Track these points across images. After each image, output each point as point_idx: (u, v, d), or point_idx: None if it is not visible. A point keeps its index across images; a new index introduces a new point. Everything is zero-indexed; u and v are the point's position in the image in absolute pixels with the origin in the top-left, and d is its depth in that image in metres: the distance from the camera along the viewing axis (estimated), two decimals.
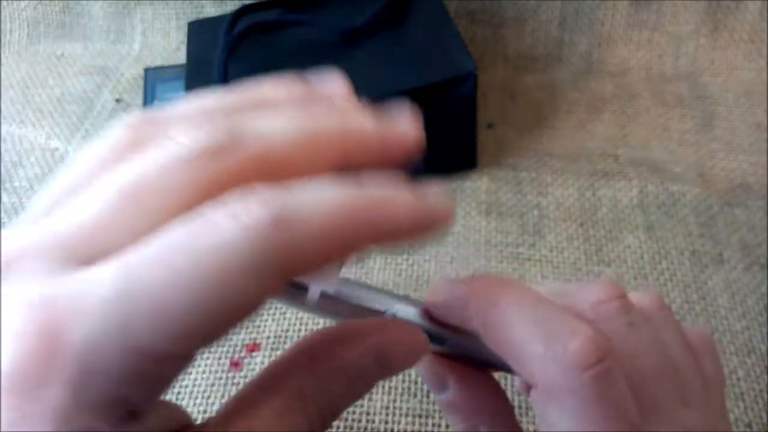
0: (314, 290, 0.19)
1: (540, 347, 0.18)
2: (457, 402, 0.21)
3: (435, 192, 0.16)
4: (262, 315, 0.40)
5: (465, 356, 0.21)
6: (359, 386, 0.17)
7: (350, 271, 0.42)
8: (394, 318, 0.20)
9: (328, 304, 0.19)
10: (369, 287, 0.20)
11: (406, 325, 0.19)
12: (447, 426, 0.35)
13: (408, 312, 0.21)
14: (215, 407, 0.36)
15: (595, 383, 0.17)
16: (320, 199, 0.14)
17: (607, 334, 0.19)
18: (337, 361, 0.16)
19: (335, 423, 0.35)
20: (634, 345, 0.19)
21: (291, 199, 0.13)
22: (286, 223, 0.13)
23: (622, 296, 0.20)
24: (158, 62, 0.60)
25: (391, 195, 0.15)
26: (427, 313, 0.21)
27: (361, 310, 0.20)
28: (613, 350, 0.18)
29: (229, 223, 0.12)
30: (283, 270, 0.13)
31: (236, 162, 0.14)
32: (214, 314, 0.13)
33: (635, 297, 0.21)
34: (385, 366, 0.17)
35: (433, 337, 0.20)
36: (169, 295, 0.12)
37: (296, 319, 0.40)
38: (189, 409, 0.36)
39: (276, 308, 0.40)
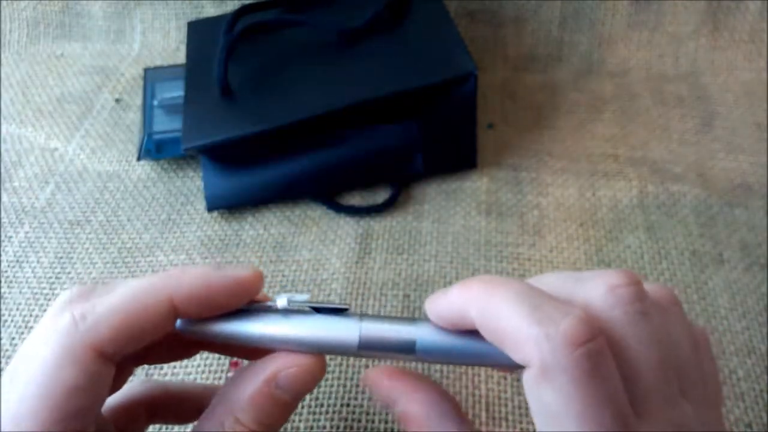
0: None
1: (534, 329, 0.19)
2: (409, 412, 0.23)
3: (239, 265, 0.23)
4: None
5: (453, 358, 0.23)
6: (276, 409, 0.22)
7: (350, 269, 0.42)
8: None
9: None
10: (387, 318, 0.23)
11: (294, 354, 0.22)
12: None
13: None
14: None
15: (585, 361, 0.18)
16: (111, 295, 0.21)
17: (618, 319, 0.20)
18: (242, 392, 0.22)
19: (335, 423, 0.35)
20: (644, 333, 0.20)
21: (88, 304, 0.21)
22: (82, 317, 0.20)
23: (638, 283, 0.21)
24: (158, 62, 0.60)
25: (184, 270, 0.22)
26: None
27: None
28: (602, 332, 0.19)
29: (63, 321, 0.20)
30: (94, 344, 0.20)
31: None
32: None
33: (649, 287, 0.22)
34: (287, 389, 0.22)
35: (403, 349, 0.22)
36: None
37: None
38: None
39: None
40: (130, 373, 0.26)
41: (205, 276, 0.22)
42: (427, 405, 0.23)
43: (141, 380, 0.28)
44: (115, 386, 0.24)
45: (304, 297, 0.23)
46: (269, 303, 0.23)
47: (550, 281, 0.22)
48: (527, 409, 0.35)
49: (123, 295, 0.21)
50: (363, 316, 0.23)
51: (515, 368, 0.21)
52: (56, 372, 0.19)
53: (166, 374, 0.37)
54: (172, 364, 0.38)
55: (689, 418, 0.20)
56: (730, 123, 0.53)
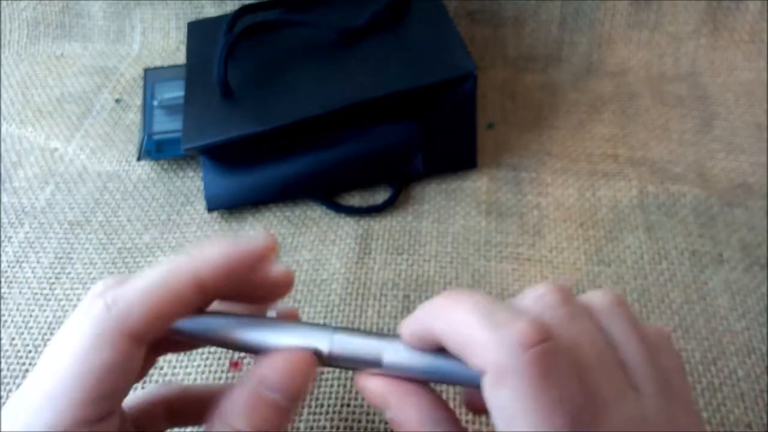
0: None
1: (487, 333, 0.19)
2: (399, 417, 0.23)
3: (255, 233, 0.24)
4: None
5: (427, 377, 0.23)
6: (270, 412, 0.22)
7: (350, 269, 0.42)
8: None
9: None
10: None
11: (283, 353, 0.23)
12: None
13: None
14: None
15: (539, 361, 0.19)
16: (140, 280, 0.22)
17: (550, 324, 0.20)
18: (235, 398, 0.22)
19: (335, 423, 0.35)
20: (575, 334, 0.21)
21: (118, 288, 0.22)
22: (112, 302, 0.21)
23: (563, 290, 0.22)
24: (158, 62, 0.60)
25: (206, 248, 0.23)
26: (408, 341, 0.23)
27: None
28: (554, 335, 0.19)
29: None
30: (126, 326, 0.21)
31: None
32: None
33: (590, 295, 0.23)
34: (276, 389, 0.22)
35: (370, 363, 0.23)
36: None
37: None
38: None
39: None
40: (153, 362, 0.26)
41: (225, 253, 0.23)
42: (421, 410, 0.23)
43: (160, 383, 0.28)
44: (141, 374, 0.25)
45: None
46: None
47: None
48: None
49: (151, 279, 0.22)
50: (336, 328, 0.24)
51: (476, 386, 0.21)
52: (90, 355, 0.20)
53: (166, 374, 0.37)
54: (173, 363, 0.38)
55: (650, 410, 0.20)
56: (730, 123, 0.53)
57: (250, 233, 0.23)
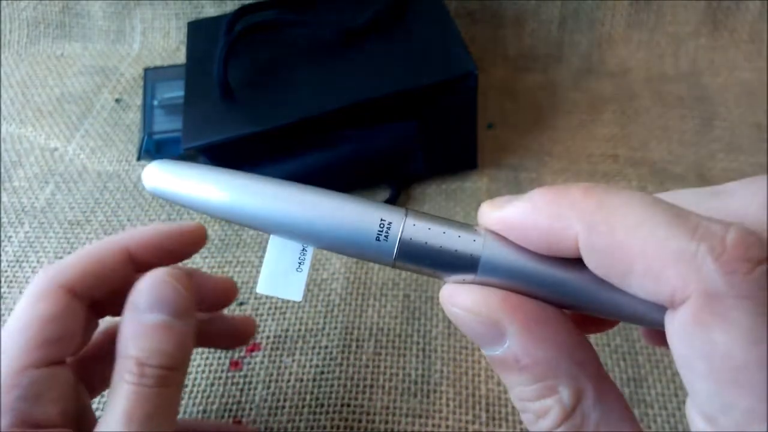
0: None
1: (688, 243, 0.13)
2: (522, 356, 0.16)
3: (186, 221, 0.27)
4: (262, 315, 0.40)
5: (546, 293, 0.16)
6: (160, 333, 0.23)
7: (350, 269, 0.42)
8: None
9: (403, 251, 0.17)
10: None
11: (148, 273, 0.24)
12: (447, 426, 0.35)
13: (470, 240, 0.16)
14: (215, 407, 0.36)
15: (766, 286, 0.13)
16: (76, 251, 0.25)
17: None
18: (122, 336, 0.23)
19: (335, 423, 0.35)
20: None
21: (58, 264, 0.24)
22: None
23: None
24: (158, 62, 0.60)
25: (139, 227, 0.27)
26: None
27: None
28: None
29: None
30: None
31: None
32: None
33: None
34: (147, 306, 0.23)
35: (461, 263, 0.16)
36: None
37: (296, 318, 0.40)
38: (189, 409, 0.36)
39: (276, 308, 0.40)
40: (96, 325, 0.27)
41: (155, 228, 0.26)
42: (560, 348, 0.16)
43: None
44: (85, 336, 0.26)
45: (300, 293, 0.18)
46: None
47: (677, 198, 0.16)
48: None
49: (85, 249, 0.25)
50: (408, 210, 0.17)
51: (645, 320, 0.15)
52: (32, 307, 0.23)
53: None
54: None
55: None
56: (730, 123, 0.53)
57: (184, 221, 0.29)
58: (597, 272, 0.15)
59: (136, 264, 0.26)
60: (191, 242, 0.27)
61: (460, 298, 0.16)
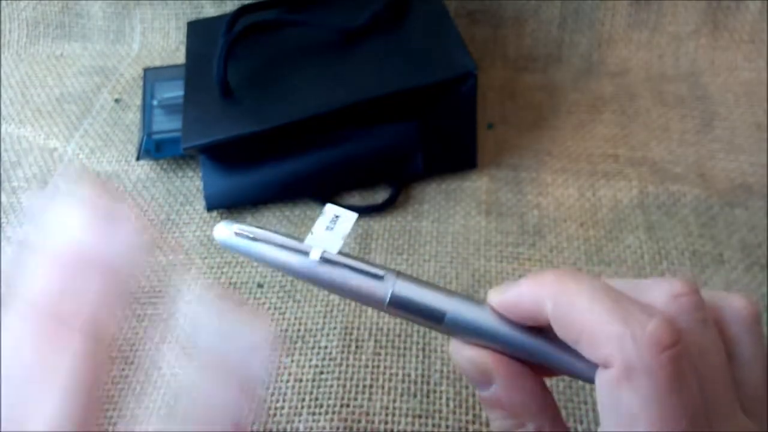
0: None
1: (618, 327, 0.18)
2: (503, 398, 0.21)
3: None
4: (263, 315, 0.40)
5: (521, 353, 0.21)
6: None
7: None
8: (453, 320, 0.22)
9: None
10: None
11: None
12: (447, 426, 0.35)
13: (470, 311, 0.22)
14: None
15: (670, 364, 0.18)
16: None
17: (683, 328, 0.19)
18: None
19: (335, 423, 0.35)
20: (704, 343, 0.20)
21: None
22: None
23: (698, 292, 0.20)
24: (158, 62, 0.60)
25: None
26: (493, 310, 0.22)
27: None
28: (684, 337, 0.18)
29: None
30: None
31: None
32: None
33: (730, 299, 0.22)
34: None
35: (432, 315, 0.22)
36: None
37: (295, 319, 0.40)
38: None
39: (276, 309, 0.40)
40: None
41: None
42: (531, 396, 0.21)
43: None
44: None
45: (336, 247, 0.22)
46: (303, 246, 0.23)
47: (619, 285, 0.21)
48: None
49: None
50: (399, 274, 0.22)
51: (583, 377, 0.20)
52: None
53: (165, 375, 0.37)
54: (173, 363, 0.37)
55: None
56: (730, 123, 0.53)
57: None
58: (559, 335, 0.20)
59: None
60: None
61: (464, 351, 0.22)
